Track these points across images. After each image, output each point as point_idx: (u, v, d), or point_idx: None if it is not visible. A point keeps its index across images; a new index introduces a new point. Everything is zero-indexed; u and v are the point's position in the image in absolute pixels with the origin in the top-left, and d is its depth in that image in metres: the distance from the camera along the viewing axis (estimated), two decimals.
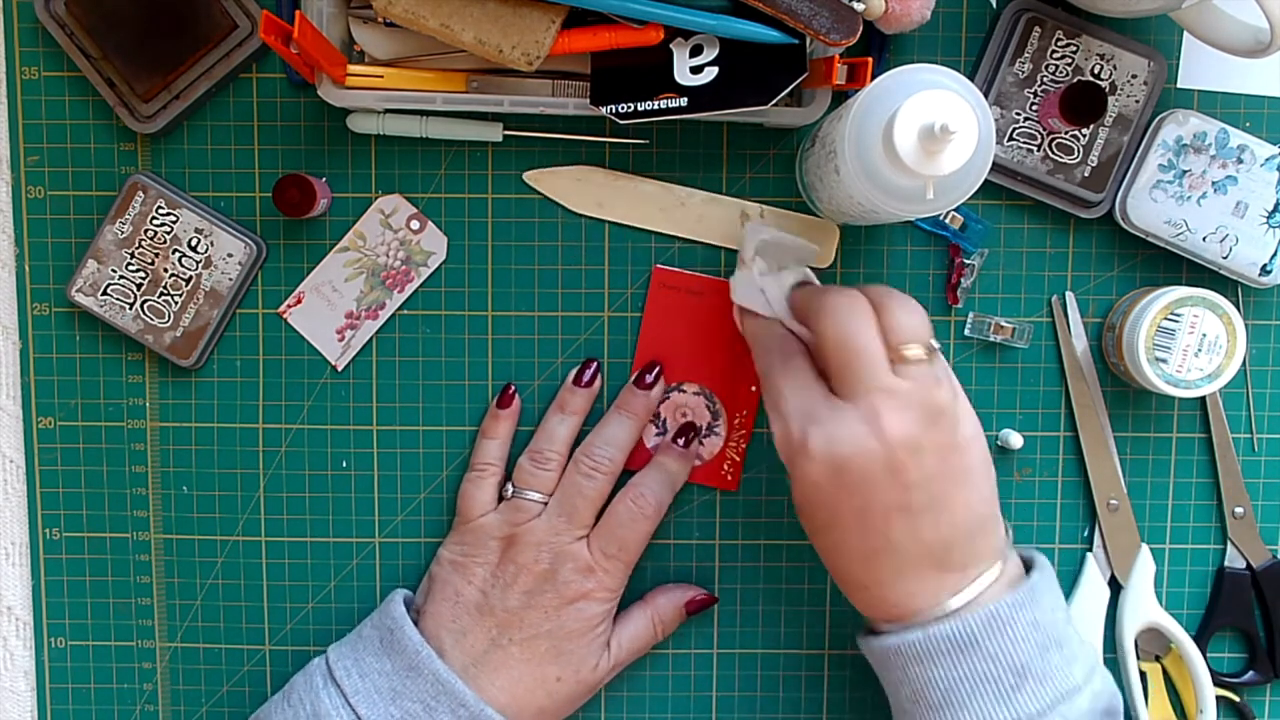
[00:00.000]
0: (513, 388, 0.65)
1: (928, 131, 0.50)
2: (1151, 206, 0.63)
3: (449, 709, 0.58)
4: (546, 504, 0.62)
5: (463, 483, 0.64)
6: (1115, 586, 0.66)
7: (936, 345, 0.55)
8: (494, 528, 0.62)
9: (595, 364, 0.64)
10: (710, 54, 0.59)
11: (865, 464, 0.52)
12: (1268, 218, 0.63)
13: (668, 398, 0.65)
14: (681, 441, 0.64)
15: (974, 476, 0.54)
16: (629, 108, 0.59)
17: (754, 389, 0.65)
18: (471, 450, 0.65)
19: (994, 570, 0.54)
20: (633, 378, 0.64)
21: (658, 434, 0.65)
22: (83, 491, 0.66)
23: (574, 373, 0.64)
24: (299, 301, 0.65)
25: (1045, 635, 0.54)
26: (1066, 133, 0.62)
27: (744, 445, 0.66)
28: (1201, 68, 0.64)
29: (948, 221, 0.64)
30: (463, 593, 0.61)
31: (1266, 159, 0.62)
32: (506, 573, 0.61)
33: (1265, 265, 0.63)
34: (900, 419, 0.52)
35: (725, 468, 0.66)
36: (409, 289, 0.65)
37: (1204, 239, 0.63)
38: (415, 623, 0.61)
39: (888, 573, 0.54)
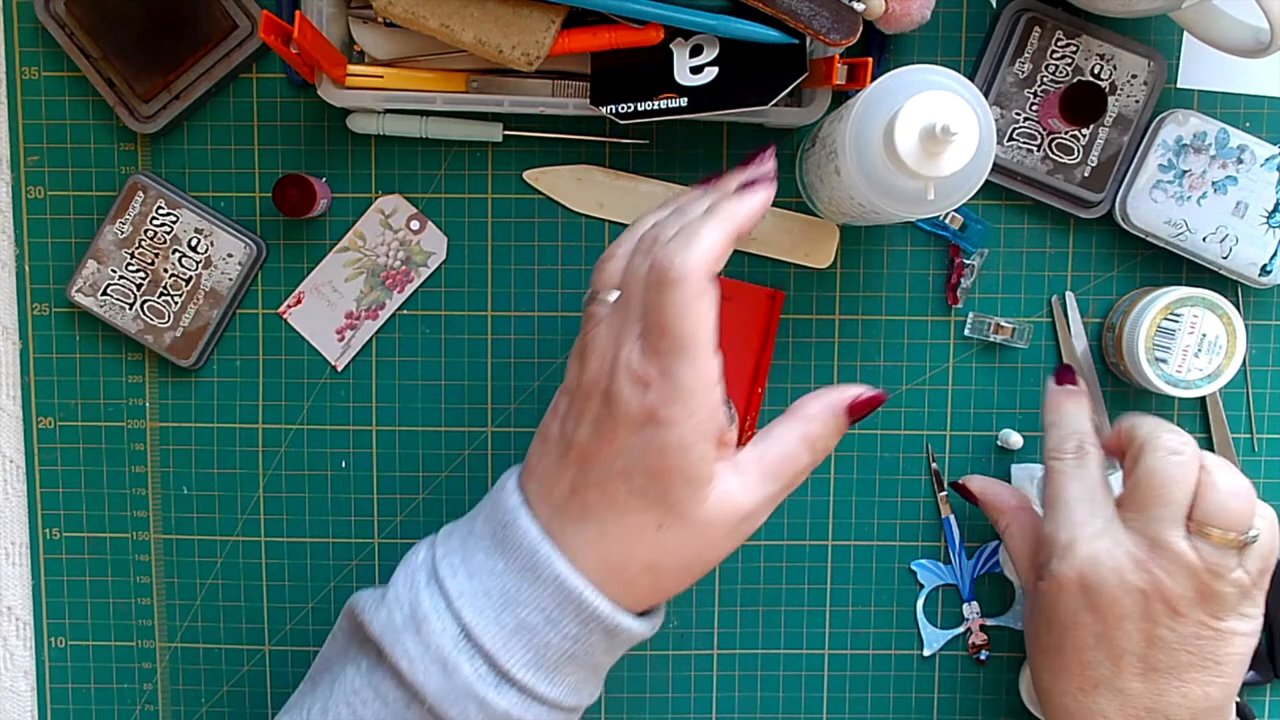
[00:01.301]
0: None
1: (928, 132, 0.50)
2: (1151, 206, 0.63)
3: (576, 619, 0.47)
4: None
5: None
6: None
7: (1253, 535, 0.52)
8: (576, 344, 0.51)
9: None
10: (710, 54, 0.59)
11: (1121, 595, 0.52)
12: (1268, 218, 0.63)
13: None
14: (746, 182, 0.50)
15: (1225, 668, 0.53)
16: (629, 108, 0.59)
17: (760, 390, 0.65)
18: (475, 446, 0.64)
19: None
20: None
21: None
22: (83, 491, 0.66)
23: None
24: (299, 301, 0.65)
25: None
26: (1066, 133, 0.62)
27: None
28: (1201, 68, 0.64)
29: (948, 221, 0.64)
30: (549, 430, 0.50)
31: (1266, 159, 0.62)
32: (579, 397, 0.49)
33: (1265, 265, 0.63)
34: (1174, 581, 0.52)
35: None
36: (409, 289, 0.65)
37: (1204, 239, 0.63)
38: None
39: (1100, 713, 0.53)
